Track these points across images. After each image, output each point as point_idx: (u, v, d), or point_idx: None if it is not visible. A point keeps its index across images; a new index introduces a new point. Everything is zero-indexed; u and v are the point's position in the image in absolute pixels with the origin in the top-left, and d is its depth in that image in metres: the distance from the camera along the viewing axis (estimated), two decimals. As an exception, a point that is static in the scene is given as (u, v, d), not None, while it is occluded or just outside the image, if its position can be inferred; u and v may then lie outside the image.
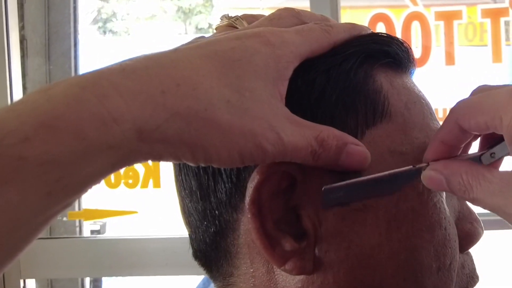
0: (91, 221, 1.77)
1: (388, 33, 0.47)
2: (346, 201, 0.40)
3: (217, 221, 0.44)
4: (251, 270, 0.43)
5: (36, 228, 0.31)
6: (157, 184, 1.57)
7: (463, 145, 0.40)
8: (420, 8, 1.55)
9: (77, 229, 1.75)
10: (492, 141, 0.39)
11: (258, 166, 0.40)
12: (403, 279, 0.41)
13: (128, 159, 0.33)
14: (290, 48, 0.40)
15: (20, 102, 0.32)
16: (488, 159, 0.38)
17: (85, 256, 1.58)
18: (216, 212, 0.43)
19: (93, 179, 0.33)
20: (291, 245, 0.40)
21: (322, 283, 0.41)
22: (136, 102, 0.33)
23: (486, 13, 1.58)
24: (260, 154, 0.36)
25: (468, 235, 0.45)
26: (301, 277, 0.41)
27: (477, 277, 0.46)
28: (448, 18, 1.55)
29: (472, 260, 0.47)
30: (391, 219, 0.41)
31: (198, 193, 0.44)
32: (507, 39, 1.52)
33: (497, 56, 1.53)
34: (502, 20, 1.56)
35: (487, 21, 1.56)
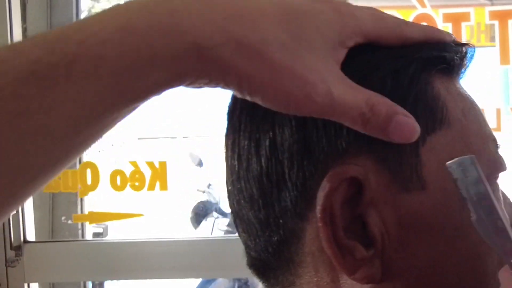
0: (94, 224, 1.75)
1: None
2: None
3: (281, 230, 0.43)
4: (315, 279, 0.43)
5: (103, 126, 0.34)
6: (164, 187, 1.56)
7: None
8: (428, 10, 1.55)
9: (80, 231, 1.73)
10: None
11: (328, 175, 0.40)
12: (468, 286, 0.42)
13: (183, 76, 0.35)
14: (358, 22, 0.40)
15: (102, 11, 0.34)
16: None
17: (89, 259, 1.56)
18: (280, 221, 0.43)
19: (154, 90, 0.35)
20: (361, 254, 0.40)
21: None
22: (200, 21, 0.34)
23: (494, 14, 1.59)
24: (308, 104, 0.36)
25: None
26: (368, 286, 0.41)
27: None
28: (456, 19, 1.56)
29: None
30: (458, 227, 0.41)
31: (260, 201, 0.43)
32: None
33: (505, 57, 1.54)
34: (510, 21, 1.57)
35: (495, 23, 1.58)
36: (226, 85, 0.36)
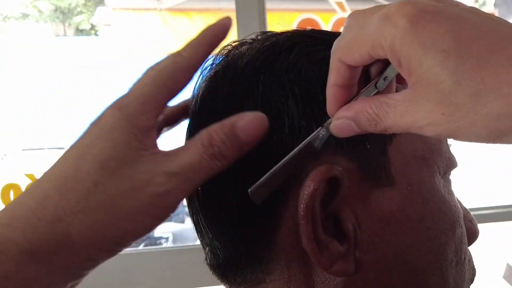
0: None
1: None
2: (274, 188, 0.41)
3: (254, 228, 0.44)
4: (286, 276, 0.44)
5: None
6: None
7: (356, 81, 0.40)
8: (347, 14, 1.54)
9: None
10: (381, 68, 0.40)
11: (311, 174, 0.41)
12: (432, 274, 0.44)
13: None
14: None
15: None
16: (383, 83, 0.39)
17: None
18: (254, 219, 0.43)
19: None
20: (337, 249, 0.42)
21: (363, 283, 0.43)
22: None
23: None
24: (174, 204, 0.39)
25: (470, 232, 0.49)
26: (341, 278, 0.42)
27: (476, 270, 0.50)
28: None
29: (471, 255, 0.50)
30: (422, 219, 0.43)
31: (234, 200, 0.43)
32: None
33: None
34: None
35: None
36: None
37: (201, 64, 0.43)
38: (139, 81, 0.41)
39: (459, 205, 0.47)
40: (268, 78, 0.43)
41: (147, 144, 0.39)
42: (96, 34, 4.61)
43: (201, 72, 0.52)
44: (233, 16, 1.59)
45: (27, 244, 0.36)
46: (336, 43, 0.38)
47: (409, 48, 0.32)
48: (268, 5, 1.47)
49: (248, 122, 0.39)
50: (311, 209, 0.41)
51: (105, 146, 0.38)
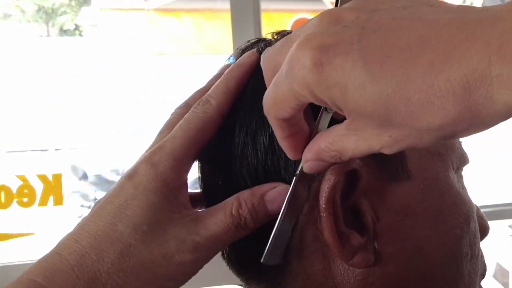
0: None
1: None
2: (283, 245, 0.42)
3: (273, 222, 0.43)
4: (305, 268, 0.44)
5: None
6: (58, 202, 1.40)
7: (303, 117, 0.38)
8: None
9: (-47, 257, 1.51)
10: None
11: (331, 167, 0.41)
12: (448, 267, 0.45)
13: None
14: None
15: None
16: (331, 109, 0.39)
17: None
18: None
19: None
20: (357, 241, 0.42)
21: (382, 274, 0.43)
22: None
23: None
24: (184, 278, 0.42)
25: (481, 228, 0.49)
26: (360, 270, 0.43)
27: (486, 266, 0.51)
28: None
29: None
30: (438, 213, 0.44)
31: None
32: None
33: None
34: None
35: None
36: None
37: (228, 111, 0.44)
38: (171, 133, 0.43)
39: (472, 200, 0.48)
40: None
41: (177, 204, 0.41)
42: (80, 35, 4.57)
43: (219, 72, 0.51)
44: (227, 16, 1.59)
45: None
46: (264, 102, 0.36)
47: (327, 93, 0.31)
48: (263, 6, 1.47)
49: (277, 194, 0.42)
50: (332, 202, 0.41)
51: (138, 208, 0.40)
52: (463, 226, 0.45)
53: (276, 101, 0.34)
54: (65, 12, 4.52)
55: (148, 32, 3.47)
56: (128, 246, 0.40)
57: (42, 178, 1.40)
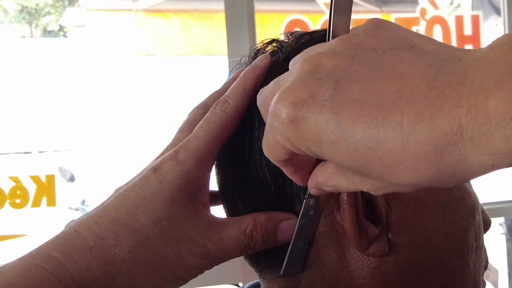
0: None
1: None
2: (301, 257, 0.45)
3: (291, 212, 0.46)
4: (321, 256, 0.46)
5: None
6: (51, 203, 1.39)
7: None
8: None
9: None
10: None
11: None
12: (455, 257, 0.47)
13: None
14: None
15: None
16: None
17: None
18: (290, 203, 0.46)
19: None
20: (373, 231, 0.44)
21: (394, 263, 0.45)
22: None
23: (399, 21, 1.65)
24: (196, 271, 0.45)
25: (484, 222, 0.51)
26: (375, 259, 0.45)
27: (488, 259, 0.53)
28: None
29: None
30: (446, 204, 0.46)
31: (272, 185, 0.46)
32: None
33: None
34: (414, 28, 1.64)
35: None
36: None
37: (245, 110, 0.46)
38: (193, 133, 0.45)
39: (476, 194, 0.50)
40: None
41: (197, 203, 0.43)
42: (65, 36, 4.52)
43: (234, 69, 0.52)
44: (217, 17, 1.59)
45: (81, 280, 0.40)
46: (262, 147, 0.37)
47: (306, 146, 0.32)
48: (256, 6, 1.47)
49: (291, 226, 0.45)
50: (353, 194, 0.43)
51: (161, 203, 0.42)
52: (469, 218, 0.48)
53: (270, 148, 0.35)
54: (49, 13, 4.47)
55: (136, 33, 3.45)
56: (146, 238, 0.41)
57: (35, 179, 1.40)
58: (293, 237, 0.44)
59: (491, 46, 0.28)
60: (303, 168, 0.38)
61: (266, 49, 0.50)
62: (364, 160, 0.30)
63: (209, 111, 0.46)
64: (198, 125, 0.45)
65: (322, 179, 0.36)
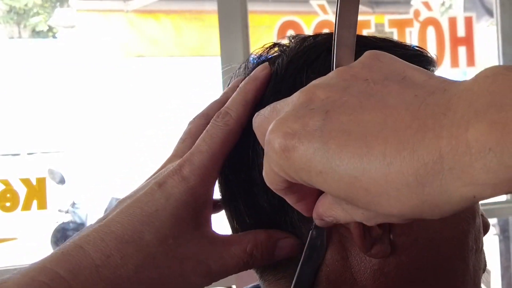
0: None
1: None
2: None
3: (295, 214, 0.45)
4: (324, 258, 0.46)
5: None
6: (42, 206, 1.37)
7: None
8: (330, 17, 1.56)
9: None
10: None
11: None
12: (456, 259, 0.47)
13: None
14: None
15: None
16: None
17: None
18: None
19: None
20: (376, 232, 0.44)
21: (397, 264, 0.45)
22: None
23: (393, 23, 1.65)
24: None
25: (484, 225, 0.51)
26: (377, 260, 0.45)
27: (486, 261, 0.53)
28: (358, 27, 1.57)
29: None
30: None
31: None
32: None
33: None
34: (407, 30, 1.64)
35: (394, 31, 1.64)
36: None
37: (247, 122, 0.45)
38: (196, 146, 0.44)
39: None
40: (311, 75, 0.45)
41: (201, 220, 0.43)
42: (54, 37, 4.49)
43: (234, 75, 0.52)
44: (215, 18, 1.59)
45: None
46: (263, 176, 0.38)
47: (298, 175, 0.32)
48: (250, 7, 1.47)
49: (289, 244, 0.45)
50: None
51: (167, 221, 0.42)
52: (470, 220, 0.47)
53: (267, 177, 0.36)
54: (37, 13, 4.43)
55: (127, 34, 3.44)
56: (152, 258, 0.41)
57: (26, 182, 1.38)
58: (300, 263, 0.45)
59: (475, 79, 0.28)
60: (306, 197, 0.38)
61: (268, 53, 0.50)
62: (350, 190, 0.30)
63: (210, 123, 0.46)
64: (200, 137, 0.45)
65: (323, 210, 0.37)
